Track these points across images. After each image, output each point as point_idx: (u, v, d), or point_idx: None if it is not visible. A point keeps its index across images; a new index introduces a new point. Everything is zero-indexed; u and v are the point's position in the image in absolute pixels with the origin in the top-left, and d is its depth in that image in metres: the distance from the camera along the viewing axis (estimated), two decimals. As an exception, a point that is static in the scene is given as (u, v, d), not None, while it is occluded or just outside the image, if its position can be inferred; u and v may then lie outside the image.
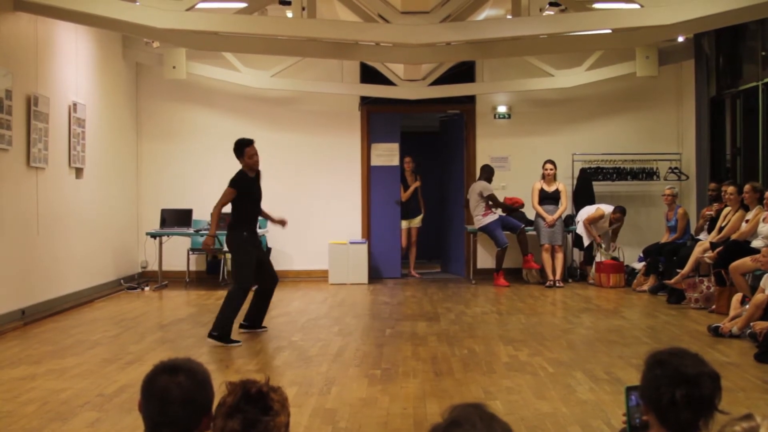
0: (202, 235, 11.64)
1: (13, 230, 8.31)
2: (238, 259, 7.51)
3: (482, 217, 11.53)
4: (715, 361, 5.46)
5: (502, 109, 12.58)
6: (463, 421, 1.66)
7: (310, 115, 12.45)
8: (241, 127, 12.37)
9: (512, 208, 11.79)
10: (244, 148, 7.47)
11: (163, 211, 11.61)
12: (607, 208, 11.32)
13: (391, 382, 5.70)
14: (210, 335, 7.13)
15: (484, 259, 12.29)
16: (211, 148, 12.10)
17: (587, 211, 11.46)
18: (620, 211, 11.30)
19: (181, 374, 2.14)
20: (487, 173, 11.74)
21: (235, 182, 7.44)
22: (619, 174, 12.22)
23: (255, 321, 7.72)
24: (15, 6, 8.28)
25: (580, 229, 11.53)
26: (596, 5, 9.59)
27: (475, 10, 8.98)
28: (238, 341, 7.12)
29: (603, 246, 11.29)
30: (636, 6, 7.94)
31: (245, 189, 7.45)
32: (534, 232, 11.70)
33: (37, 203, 8.79)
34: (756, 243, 8.38)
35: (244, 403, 2.05)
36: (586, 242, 11.49)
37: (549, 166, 11.59)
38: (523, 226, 11.55)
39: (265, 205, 11.90)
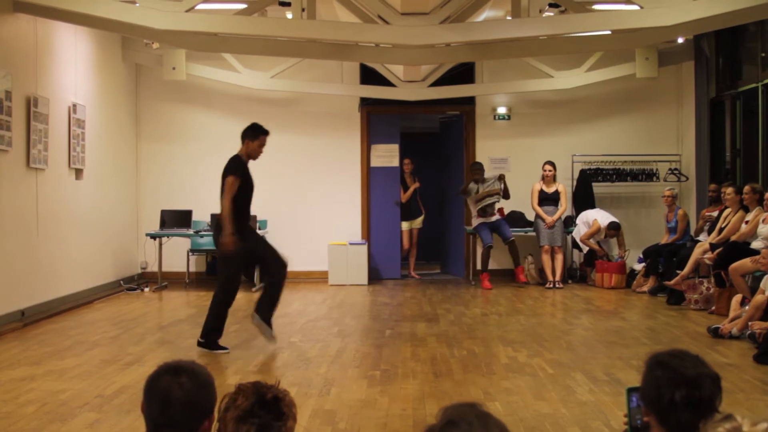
0: (202, 236, 11.66)
1: (13, 231, 8.31)
2: (223, 265, 7.04)
3: (474, 219, 11.49)
4: (715, 363, 5.45)
5: (501, 110, 12.58)
6: (459, 420, 1.66)
7: (310, 116, 12.45)
8: (241, 128, 12.30)
9: (465, 192, 11.38)
10: (261, 134, 6.94)
11: (163, 212, 11.61)
12: (603, 220, 11.25)
13: (391, 384, 5.70)
14: (198, 343, 6.90)
15: (484, 260, 12.28)
16: (210, 149, 12.10)
17: (584, 222, 11.39)
18: (614, 228, 11.24)
19: (184, 376, 2.14)
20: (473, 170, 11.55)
21: (234, 169, 6.80)
22: (618, 175, 12.22)
23: (266, 312, 6.98)
24: (14, 7, 8.28)
25: (576, 234, 11.51)
26: (596, 6, 9.60)
27: (474, 12, 8.97)
28: (225, 348, 6.86)
29: (607, 256, 11.25)
30: (636, 7, 7.94)
31: (244, 176, 6.86)
32: (534, 233, 11.70)
33: (36, 204, 8.79)
34: (756, 244, 8.38)
35: (258, 408, 2.04)
36: (585, 249, 11.46)
37: (548, 167, 11.58)
38: (512, 238, 11.24)
39: (265, 206, 12.02)
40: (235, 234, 6.70)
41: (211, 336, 6.89)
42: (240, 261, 7.04)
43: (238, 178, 6.78)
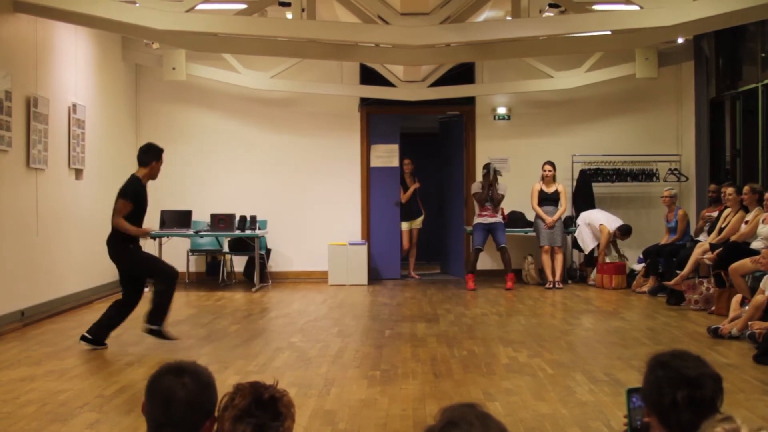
0: (201, 237, 11.67)
1: (13, 231, 8.30)
2: (139, 265, 7.17)
3: (475, 216, 11.43)
4: (715, 363, 5.44)
5: (501, 110, 12.58)
6: (459, 420, 1.66)
7: (310, 117, 12.45)
8: (241, 128, 12.40)
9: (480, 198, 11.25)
10: (161, 154, 7.12)
11: (163, 212, 11.58)
12: (611, 224, 11.24)
13: (391, 384, 5.70)
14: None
15: (484, 260, 12.26)
16: (210, 150, 12.12)
17: (587, 223, 11.36)
18: (626, 233, 11.25)
19: (187, 376, 2.14)
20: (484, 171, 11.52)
21: (128, 193, 6.94)
22: (618, 175, 12.22)
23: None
24: (15, 7, 8.28)
25: (578, 235, 11.51)
26: (596, 6, 9.60)
27: (474, 12, 8.98)
28: (104, 345, 6.90)
29: (613, 255, 11.26)
30: (636, 7, 7.94)
31: (140, 200, 7.02)
32: (534, 234, 11.70)
33: (36, 204, 8.79)
34: (755, 244, 8.38)
35: (255, 408, 2.04)
36: (587, 250, 11.45)
37: (548, 167, 11.57)
38: (504, 244, 11.14)
39: (266, 207, 12.03)
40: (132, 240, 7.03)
41: (102, 331, 6.96)
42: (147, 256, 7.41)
43: (129, 203, 6.91)
